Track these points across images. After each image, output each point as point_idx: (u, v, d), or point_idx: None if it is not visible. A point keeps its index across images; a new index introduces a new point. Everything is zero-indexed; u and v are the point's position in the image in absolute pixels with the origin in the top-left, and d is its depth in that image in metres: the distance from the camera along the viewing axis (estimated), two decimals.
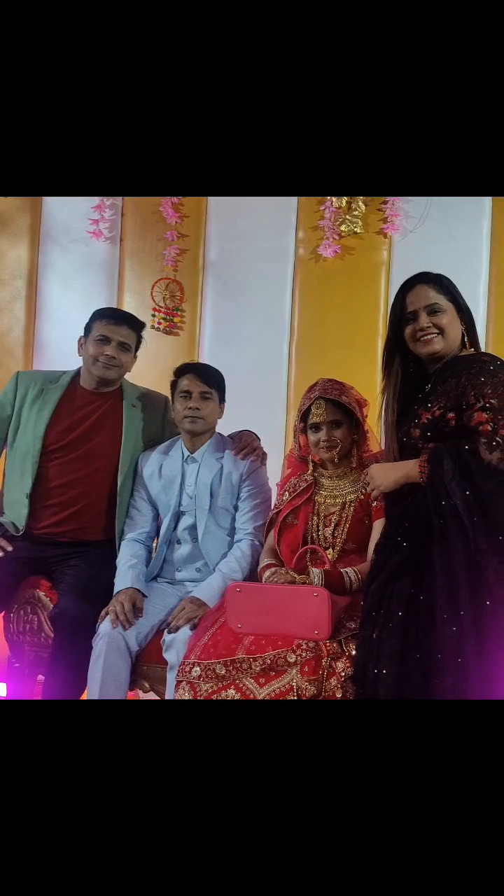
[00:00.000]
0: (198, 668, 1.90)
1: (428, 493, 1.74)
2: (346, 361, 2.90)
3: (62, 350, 3.26)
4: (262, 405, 2.93)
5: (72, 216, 3.28)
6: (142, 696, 2.42)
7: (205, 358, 3.13)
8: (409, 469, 1.81)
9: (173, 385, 2.42)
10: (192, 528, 2.34)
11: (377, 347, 2.97)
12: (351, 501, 2.17)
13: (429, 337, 1.89)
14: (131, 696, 2.24)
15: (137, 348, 2.53)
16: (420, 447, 1.83)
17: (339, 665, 1.81)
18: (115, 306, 3.27)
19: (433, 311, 1.89)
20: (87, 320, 3.27)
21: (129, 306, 3.19)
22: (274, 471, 2.49)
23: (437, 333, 1.89)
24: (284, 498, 2.25)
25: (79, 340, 2.52)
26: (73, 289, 3.32)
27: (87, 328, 2.50)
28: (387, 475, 1.86)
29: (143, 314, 2.84)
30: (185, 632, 2.05)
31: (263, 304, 3.12)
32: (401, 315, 1.93)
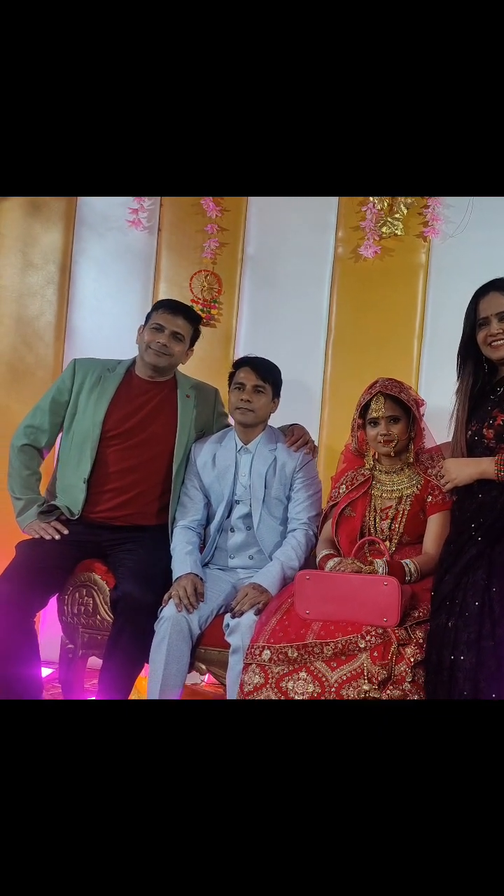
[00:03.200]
0: (268, 652, 1.97)
1: None
2: (382, 360, 2.97)
3: (95, 337, 3.31)
4: (298, 400, 2.99)
5: (109, 204, 3.29)
6: (198, 677, 2.48)
7: (240, 350, 3.18)
8: (485, 466, 1.90)
9: (231, 376, 2.48)
10: (247, 517, 2.41)
11: (413, 347, 3.08)
12: (407, 496, 2.26)
13: (499, 342, 1.99)
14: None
15: (194, 341, 2.57)
16: (493, 447, 1.93)
17: (408, 650, 1.90)
18: (150, 296, 3.32)
19: None
20: (120, 308, 3.33)
21: (164, 296, 3.22)
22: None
23: None
24: (341, 491, 2.33)
25: (138, 329, 2.56)
26: (108, 277, 3.34)
27: (147, 317, 2.54)
28: (462, 470, 1.95)
29: None
30: (249, 616, 2.12)
31: (301, 300, 3.18)
32: (474, 320, 2.02)
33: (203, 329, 2.70)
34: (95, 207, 3.33)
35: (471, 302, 2.05)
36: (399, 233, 3.03)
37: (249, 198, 3.21)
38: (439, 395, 2.51)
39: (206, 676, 2.88)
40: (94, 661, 2.44)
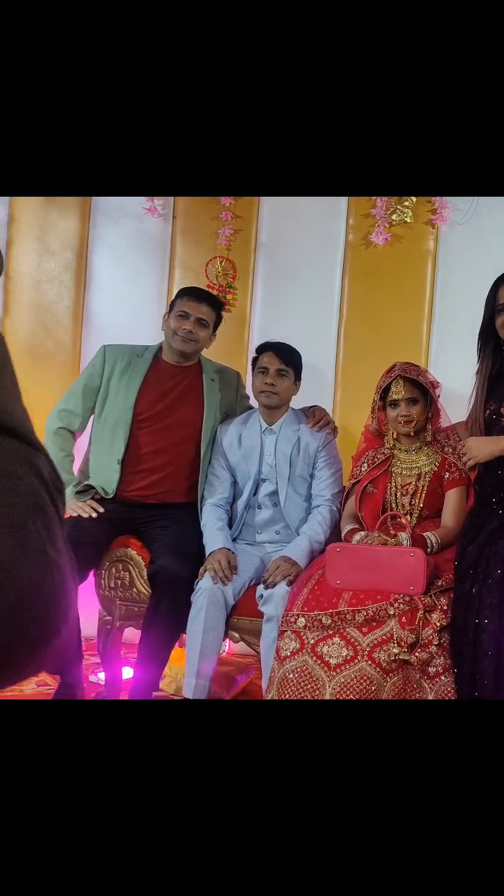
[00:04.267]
0: (303, 619, 2.12)
1: None
2: (393, 344, 3.10)
3: (112, 322, 3.40)
4: (311, 382, 3.11)
5: None
6: (232, 645, 2.63)
7: (255, 334, 3.30)
8: None
9: (254, 361, 2.60)
10: (273, 495, 2.55)
11: (422, 331, 3.21)
12: (426, 473, 2.40)
13: None
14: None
15: (216, 326, 2.69)
16: None
17: (434, 616, 2.05)
18: (165, 281, 3.42)
19: None
20: (137, 294, 3.43)
21: (180, 282, 3.33)
22: None
23: None
24: (363, 469, 2.47)
25: (163, 316, 2.66)
26: (124, 263, 3.44)
27: (171, 304, 2.65)
28: (484, 448, 2.10)
29: None
30: (282, 587, 2.26)
31: (313, 286, 3.30)
32: (493, 306, 2.16)
33: None
34: None
35: (491, 289, 2.18)
36: (408, 220, 3.15)
37: None
38: (447, 376, 2.65)
39: (228, 645, 3.04)
40: (129, 635, 2.58)
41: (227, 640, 2.52)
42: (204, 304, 2.62)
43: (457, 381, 2.55)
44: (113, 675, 2.56)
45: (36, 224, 3.43)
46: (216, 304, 2.68)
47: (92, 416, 2.66)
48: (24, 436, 0.48)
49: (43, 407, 2.72)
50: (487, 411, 2.15)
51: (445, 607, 2.07)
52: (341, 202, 3.27)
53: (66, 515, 2.52)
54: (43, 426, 2.65)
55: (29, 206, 3.42)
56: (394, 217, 3.14)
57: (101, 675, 2.66)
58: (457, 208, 3.11)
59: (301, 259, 3.32)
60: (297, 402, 2.75)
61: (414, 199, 3.14)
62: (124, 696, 2.49)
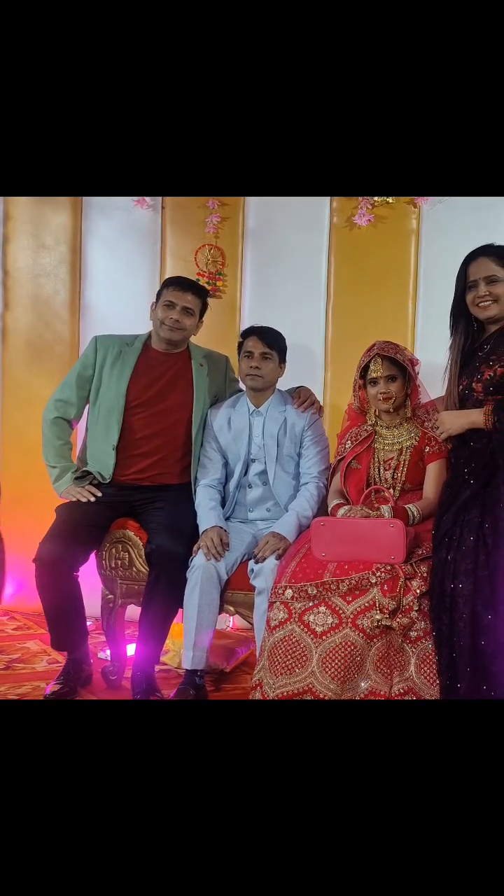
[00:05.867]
0: (290, 591, 2.23)
1: (494, 438, 2.08)
2: (380, 322, 3.19)
3: (109, 313, 3.50)
4: (302, 363, 3.20)
5: None
6: (228, 618, 2.75)
7: (245, 319, 3.39)
8: (475, 417, 2.14)
9: (239, 346, 2.69)
10: (263, 474, 2.65)
11: (408, 308, 3.29)
12: (407, 448, 2.49)
13: (485, 304, 2.20)
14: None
15: (202, 314, 2.78)
16: (482, 399, 2.16)
17: (414, 583, 2.15)
18: (158, 271, 3.51)
19: (491, 280, 2.19)
20: (131, 284, 3.53)
21: (171, 271, 3.42)
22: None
23: (494, 301, 2.19)
24: (347, 446, 2.57)
25: (151, 306, 2.76)
26: (117, 254, 3.53)
27: (158, 294, 2.75)
28: (455, 421, 2.19)
29: None
30: (271, 561, 2.37)
31: (301, 269, 3.38)
32: (464, 283, 2.24)
33: (210, 300, 2.90)
34: None
35: (461, 266, 2.26)
36: (390, 200, 3.22)
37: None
38: (433, 352, 2.72)
39: (232, 621, 3.17)
40: (131, 614, 2.71)
41: (233, 618, 2.62)
42: (189, 293, 2.71)
43: (442, 355, 2.63)
44: (118, 650, 2.70)
45: (30, 221, 3.54)
46: (201, 292, 2.77)
47: (87, 405, 2.77)
48: None
49: (44, 398, 2.84)
50: (460, 386, 2.24)
51: (425, 574, 2.17)
52: None
53: (67, 500, 2.64)
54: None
55: (23, 204, 3.53)
56: (375, 198, 3.21)
57: (109, 652, 2.79)
58: None
59: (288, 243, 3.40)
60: (290, 381, 2.85)
61: None
62: (128, 671, 2.62)
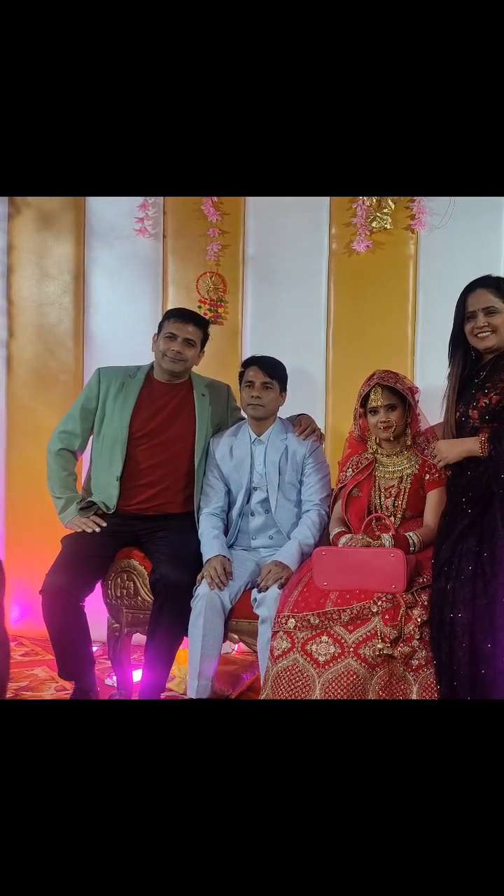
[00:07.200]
0: (293, 620, 2.26)
1: (490, 466, 2.11)
2: (379, 347, 3.24)
3: (112, 341, 3.56)
4: (303, 388, 3.24)
5: (116, 215, 3.52)
6: (231, 646, 2.78)
7: (247, 345, 3.44)
8: (471, 445, 2.18)
9: (241, 375, 2.73)
10: (265, 502, 2.69)
11: (407, 333, 3.33)
12: (407, 475, 2.52)
13: (484, 334, 2.24)
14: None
15: (204, 344, 2.82)
16: (478, 426, 2.19)
17: (415, 612, 2.18)
18: (160, 299, 3.56)
19: (489, 311, 2.23)
20: (133, 312, 3.58)
21: (173, 299, 3.48)
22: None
23: (492, 332, 2.23)
24: (348, 474, 2.60)
25: (153, 337, 2.81)
26: (120, 283, 3.58)
27: (160, 326, 2.79)
28: (452, 449, 2.22)
29: (188, 306, 3.10)
30: (274, 590, 2.40)
31: (301, 295, 3.43)
32: (463, 313, 2.28)
33: (212, 326, 2.95)
34: (103, 217, 3.56)
35: (460, 297, 2.30)
36: (388, 227, 3.26)
37: (247, 201, 3.44)
38: (433, 376, 2.76)
39: (237, 646, 3.19)
40: (138, 638, 2.74)
41: (238, 643, 2.65)
42: (190, 324, 2.75)
43: (441, 380, 2.66)
44: (124, 677, 2.73)
45: (34, 250, 3.59)
46: (202, 323, 2.81)
47: (91, 436, 2.81)
48: None
49: (49, 426, 2.90)
50: (457, 414, 2.27)
51: (426, 603, 2.19)
52: (323, 213, 3.39)
53: (72, 531, 2.68)
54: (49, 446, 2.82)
55: (26, 233, 3.59)
56: (374, 224, 3.26)
57: (115, 679, 2.82)
58: (434, 213, 3.21)
59: (287, 270, 3.45)
60: (291, 405, 2.88)
61: (392, 205, 3.25)
62: (136, 697, 2.65)
